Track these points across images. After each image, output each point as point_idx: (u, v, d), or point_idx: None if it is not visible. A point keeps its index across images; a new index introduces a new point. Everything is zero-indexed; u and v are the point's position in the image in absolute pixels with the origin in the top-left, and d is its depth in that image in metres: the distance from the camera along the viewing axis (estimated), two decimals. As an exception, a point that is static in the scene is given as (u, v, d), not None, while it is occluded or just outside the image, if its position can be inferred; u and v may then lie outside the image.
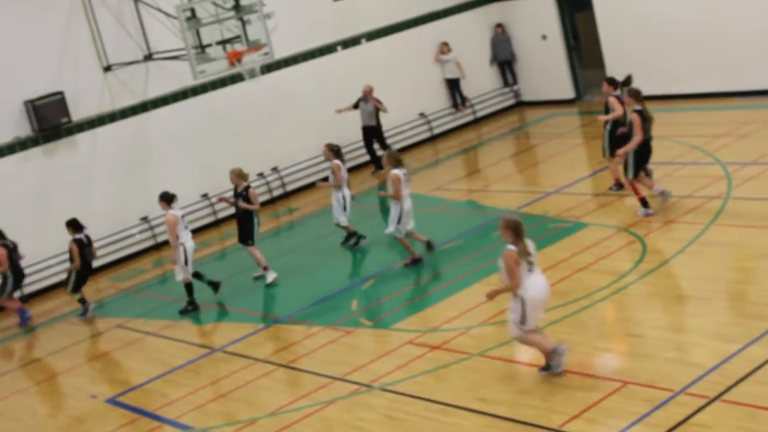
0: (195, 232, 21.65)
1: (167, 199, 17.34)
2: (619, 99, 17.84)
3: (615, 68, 25.44)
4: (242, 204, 17.92)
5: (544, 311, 12.08)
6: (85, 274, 18.70)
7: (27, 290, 20.45)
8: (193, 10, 19.78)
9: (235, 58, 19.96)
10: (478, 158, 24.53)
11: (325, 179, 19.42)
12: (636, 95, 16.66)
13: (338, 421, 12.19)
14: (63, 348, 17.47)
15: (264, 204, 23.48)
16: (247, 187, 17.93)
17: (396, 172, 16.94)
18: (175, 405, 13.76)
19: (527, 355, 12.86)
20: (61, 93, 20.82)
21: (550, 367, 11.93)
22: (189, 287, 17.46)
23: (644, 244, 15.58)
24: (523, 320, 11.72)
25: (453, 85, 27.00)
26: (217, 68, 20.12)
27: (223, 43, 20.14)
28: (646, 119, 16.62)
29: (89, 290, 20.12)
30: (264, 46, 20.38)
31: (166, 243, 22.11)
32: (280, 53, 22.05)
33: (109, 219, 21.23)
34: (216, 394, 13.82)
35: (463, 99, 27.19)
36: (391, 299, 16.07)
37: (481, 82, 27.80)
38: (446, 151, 25.37)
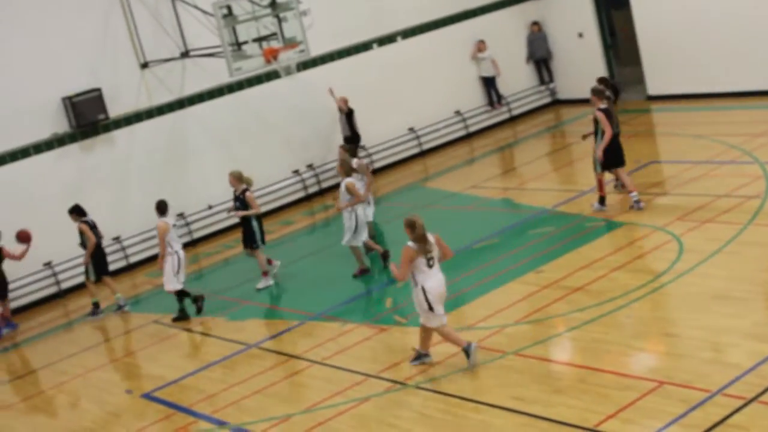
0: (231, 229, 21.82)
1: (161, 209, 17.30)
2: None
3: (652, 66, 25.42)
4: (232, 211, 18.09)
5: (443, 306, 12.77)
6: (103, 260, 18.79)
7: (63, 286, 20.60)
8: (229, 8, 19.84)
9: (271, 56, 19.99)
10: (513, 156, 24.47)
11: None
12: (600, 94, 17.65)
13: (373, 419, 12.20)
14: (99, 343, 17.60)
15: (299, 201, 23.59)
16: (244, 191, 17.92)
17: (351, 180, 17.15)
18: (211, 401, 13.82)
19: (564, 354, 12.84)
20: (98, 90, 20.96)
21: (421, 357, 13.13)
22: (180, 295, 17.41)
23: (681, 244, 15.47)
24: (430, 307, 12.62)
25: (489, 83, 26.94)
26: (253, 65, 20.17)
27: (259, 40, 20.19)
28: (611, 116, 17.47)
29: (125, 286, 20.30)
30: (300, 43, 20.41)
31: (202, 239, 22.32)
32: (315, 51, 22.08)
33: (145, 215, 21.27)
34: (251, 390, 13.85)
35: (499, 97, 27.12)
36: (425, 297, 16.04)
37: (517, 80, 27.72)
38: (481, 149, 25.32)
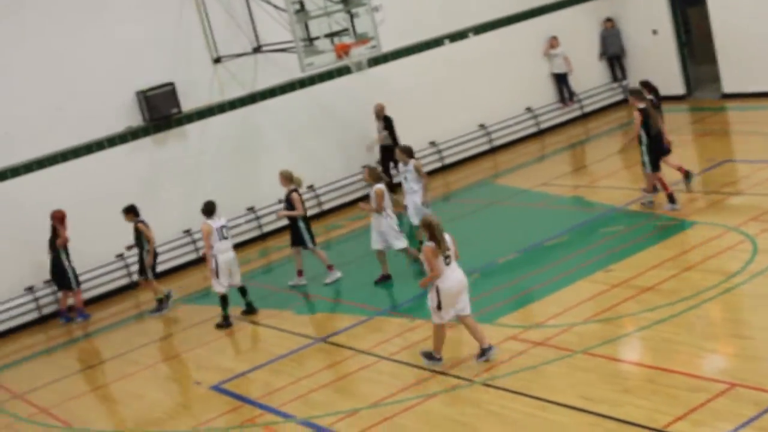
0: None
1: (206, 210, 17.22)
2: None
3: (727, 64, 25.04)
4: (280, 213, 18.19)
5: (462, 301, 13.13)
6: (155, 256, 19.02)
7: (135, 278, 20.86)
8: (302, 3, 19.91)
9: (343, 51, 20.03)
10: (585, 154, 24.28)
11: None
12: (638, 94, 18.06)
13: (439, 415, 12.18)
14: (169, 335, 17.80)
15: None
16: (291, 191, 17.94)
17: (380, 186, 17.13)
18: (278, 394, 13.90)
19: (633, 353, 12.72)
20: (172, 84, 21.19)
21: (432, 359, 13.47)
22: (224, 300, 17.29)
23: (755, 244, 15.23)
24: (438, 306, 12.98)
25: (561, 79, 26.75)
26: (325, 61, 20.23)
27: (331, 35, 20.24)
28: (649, 116, 17.76)
29: (196, 278, 20.53)
30: (371, 39, 20.42)
31: (272, 233, 22.45)
32: (387, 46, 22.07)
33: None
34: (318, 384, 13.91)
35: (571, 94, 26.92)
36: (494, 294, 15.99)
37: (590, 77, 27.49)
38: (553, 146, 25.16)
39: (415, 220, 17.63)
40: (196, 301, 19.20)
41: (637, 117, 17.86)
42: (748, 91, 24.78)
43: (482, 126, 25.61)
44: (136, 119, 21.16)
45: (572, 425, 11.10)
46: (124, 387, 15.85)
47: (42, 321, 20.00)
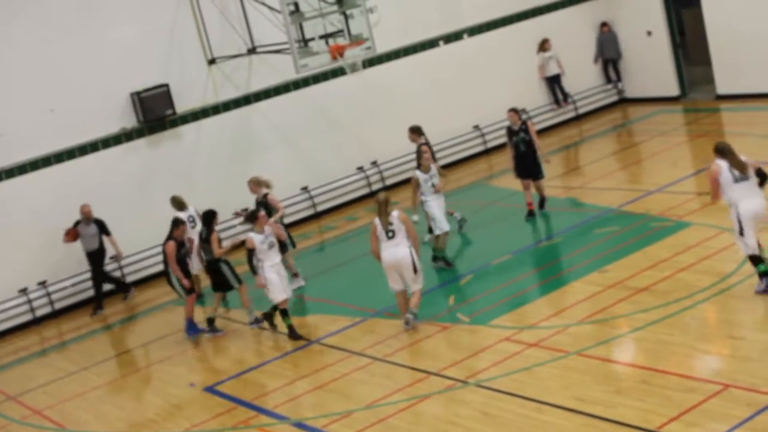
0: (295, 224, 21.91)
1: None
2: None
3: (722, 65, 25.06)
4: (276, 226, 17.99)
5: (394, 279, 14.88)
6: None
7: (129, 279, 20.83)
8: (296, 4, 19.89)
9: (338, 52, 20.01)
10: (578, 155, 24.29)
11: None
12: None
13: (433, 416, 12.19)
14: (163, 336, 17.75)
15: (363, 197, 23.58)
16: (266, 195, 17.95)
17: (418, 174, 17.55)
18: (272, 395, 13.90)
19: (627, 354, 12.72)
20: (166, 85, 21.17)
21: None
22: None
23: (749, 245, 15.23)
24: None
25: (554, 81, 26.74)
26: (320, 62, 20.21)
27: (325, 37, 20.22)
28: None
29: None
30: (366, 40, 20.41)
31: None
32: (382, 47, 22.06)
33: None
34: (312, 385, 13.90)
35: (565, 95, 26.92)
36: (488, 296, 15.99)
37: (584, 78, 27.48)
38: (547, 148, 24.91)
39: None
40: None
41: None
42: (742, 92, 24.79)
43: (476, 127, 25.60)
44: (130, 120, 21.14)
45: (567, 426, 11.10)
46: (118, 389, 15.83)
47: (36, 323, 19.95)
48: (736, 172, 13.05)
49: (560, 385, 12.13)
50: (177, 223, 17.30)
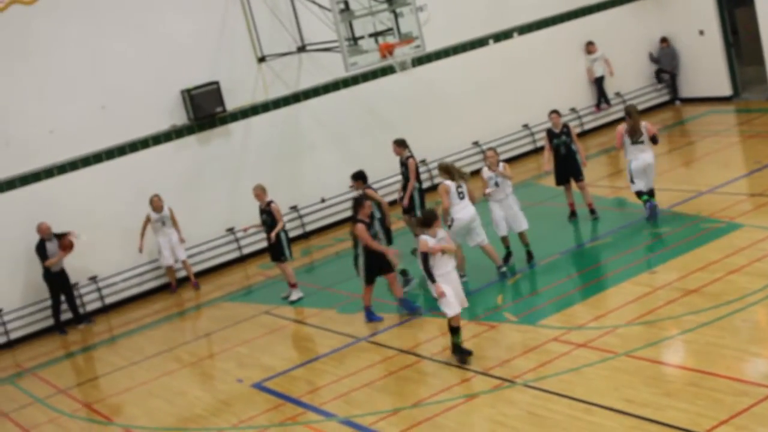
0: (340, 223, 21.95)
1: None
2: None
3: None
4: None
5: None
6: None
7: (179, 275, 20.96)
8: (346, 3, 19.92)
9: (387, 51, 20.02)
10: (629, 155, 24.07)
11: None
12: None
13: (480, 416, 12.15)
14: (212, 332, 17.87)
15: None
16: (269, 202, 17.98)
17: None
18: (319, 392, 13.93)
19: (676, 356, 12.62)
20: (216, 83, 21.29)
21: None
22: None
23: (802, 248, 15.08)
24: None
25: (598, 83, 26.56)
26: (369, 60, 20.22)
27: (375, 35, 20.24)
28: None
29: (238, 277, 20.61)
30: (416, 38, 20.40)
31: (314, 232, 22.49)
32: (431, 46, 22.04)
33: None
34: (359, 383, 13.91)
35: (606, 99, 26.68)
36: (536, 295, 15.94)
37: (636, 78, 27.30)
38: (596, 148, 24.98)
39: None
40: (238, 299, 19.27)
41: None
42: (795, 93, 24.53)
43: (526, 126, 25.51)
44: (180, 118, 21.28)
45: (615, 428, 11.02)
46: (166, 384, 15.93)
47: (86, 318, 20.14)
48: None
49: (609, 386, 12.05)
50: (360, 201, 16.07)
